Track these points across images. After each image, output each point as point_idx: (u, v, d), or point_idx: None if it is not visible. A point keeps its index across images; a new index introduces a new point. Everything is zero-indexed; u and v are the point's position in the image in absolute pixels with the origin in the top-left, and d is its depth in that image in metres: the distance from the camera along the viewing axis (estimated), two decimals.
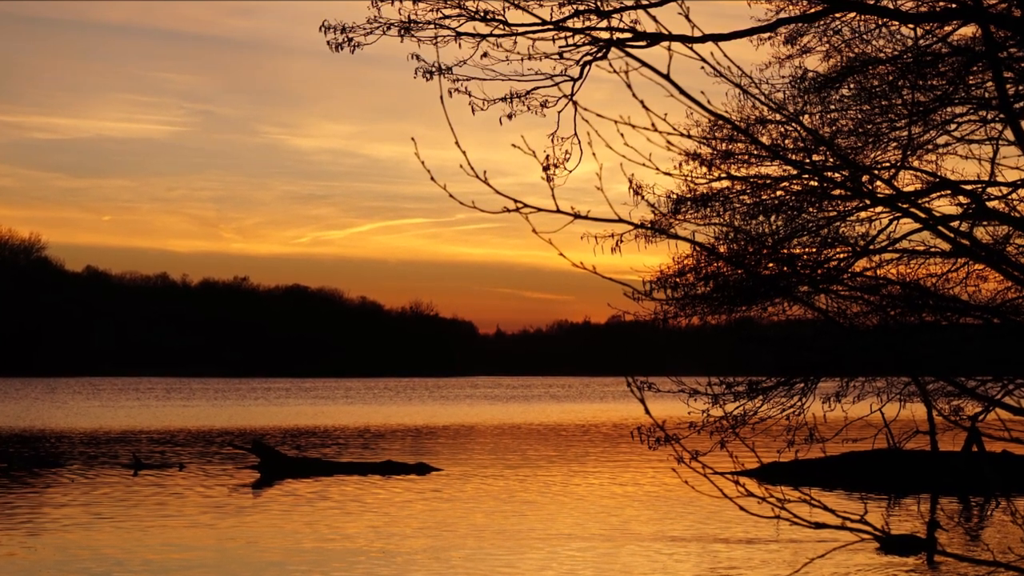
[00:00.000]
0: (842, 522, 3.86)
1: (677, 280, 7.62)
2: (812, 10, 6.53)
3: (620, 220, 3.69)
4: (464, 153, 3.46)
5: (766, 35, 7.33)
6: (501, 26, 5.48)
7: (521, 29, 5.44)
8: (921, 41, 7.18)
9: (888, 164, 7.47)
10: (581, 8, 5.34)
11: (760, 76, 7.89)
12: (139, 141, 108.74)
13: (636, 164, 3.70)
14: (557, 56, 5.43)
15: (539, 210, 3.54)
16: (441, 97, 3.72)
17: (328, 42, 5.79)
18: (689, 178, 7.13)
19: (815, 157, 6.30)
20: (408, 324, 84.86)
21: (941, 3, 6.30)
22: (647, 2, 5.25)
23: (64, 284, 71.30)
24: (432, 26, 5.57)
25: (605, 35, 5.26)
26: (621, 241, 7.01)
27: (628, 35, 5.20)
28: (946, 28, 6.94)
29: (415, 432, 26.96)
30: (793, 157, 6.45)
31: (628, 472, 17.22)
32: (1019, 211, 6.87)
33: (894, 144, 7.63)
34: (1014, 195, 6.92)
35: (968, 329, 7.17)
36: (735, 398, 8.06)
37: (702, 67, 4.37)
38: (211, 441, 23.17)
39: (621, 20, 5.25)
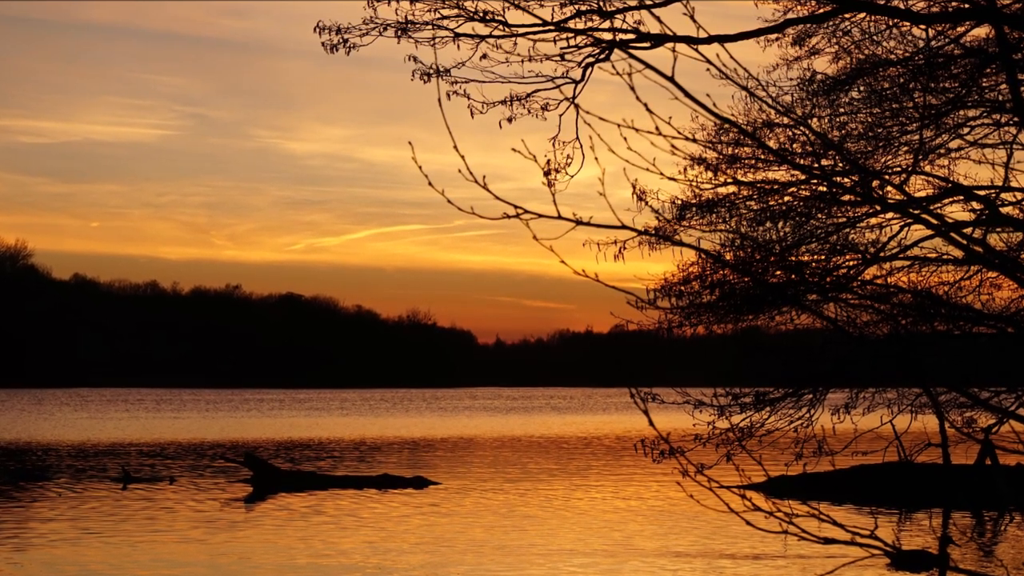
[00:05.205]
0: (852, 537, 3.69)
1: (682, 288, 7.45)
2: (821, 10, 6.39)
3: (623, 227, 3.51)
4: (463, 157, 3.28)
5: (773, 36, 7.22)
6: (501, 27, 5.35)
7: (521, 30, 5.32)
8: (933, 42, 7.05)
9: (899, 169, 7.33)
10: (583, 8, 5.22)
11: (767, 78, 7.79)
12: (129, 145, 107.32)
13: (640, 169, 3.53)
14: (558, 58, 5.31)
15: (540, 216, 3.37)
16: (439, 100, 3.54)
17: (323, 43, 5.67)
18: (694, 183, 7.00)
19: (824, 162, 6.16)
20: (405, 333, 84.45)
21: (954, 3, 6.17)
22: (651, 2, 5.12)
23: (51, 292, 70.60)
24: (430, 27, 5.44)
25: (608, 36, 5.13)
26: (624, 248, 6.88)
27: (631, 36, 5.07)
28: (959, 29, 6.81)
29: (412, 445, 26.71)
30: (801, 162, 6.31)
31: (631, 486, 16.99)
32: None
33: (905, 148, 7.50)
34: None
35: (981, 338, 7.01)
36: (741, 410, 7.89)
37: (707, 69, 4.21)
38: (202, 454, 22.91)
39: (624, 21, 5.12)
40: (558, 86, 5.41)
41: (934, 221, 4.41)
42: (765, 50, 7.60)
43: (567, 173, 5.35)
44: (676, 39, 4.50)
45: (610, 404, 55.55)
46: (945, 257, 7.23)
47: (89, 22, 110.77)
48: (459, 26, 5.41)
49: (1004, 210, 6.77)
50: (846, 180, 5.09)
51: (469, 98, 5.45)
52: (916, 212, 4.44)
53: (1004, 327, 6.40)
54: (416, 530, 12.17)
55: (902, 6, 6.34)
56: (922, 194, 6.96)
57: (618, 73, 3.65)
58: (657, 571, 9.78)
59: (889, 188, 5.47)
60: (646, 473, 18.24)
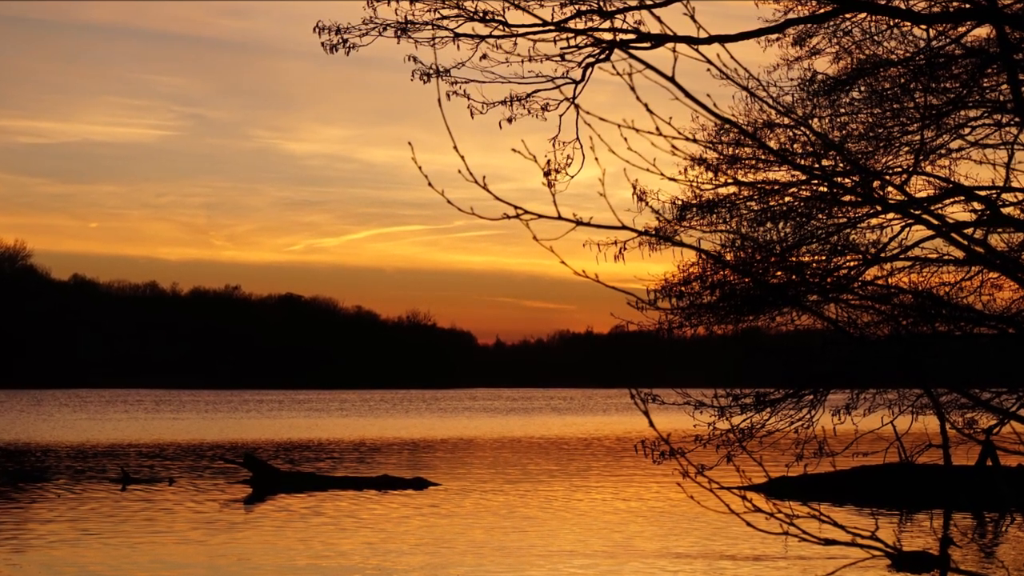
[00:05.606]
0: (852, 538, 3.70)
1: (682, 289, 7.45)
2: (822, 10, 6.38)
3: (624, 227, 3.49)
4: (463, 158, 3.27)
5: (774, 36, 7.21)
6: (501, 27, 5.36)
7: (521, 30, 5.32)
8: (934, 42, 7.05)
9: (900, 169, 7.33)
10: (583, 8, 5.22)
11: (768, 79, 7.79)
12: (128, 146, 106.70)
13: (640, 169, 3.52)
14: (558, 58, 5.32)
15: (540, 216, 3.36)
16: (439, 100, 3.53)
17: (322, 43, 5.68)
18: (695, 184, 6.99)
19: (824, 162, 6.16)
20: (405, 334, 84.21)
21: (955, 3, 6.16)
22: (651, 2, 5.12)
23: (50, 293, 70.47)
24: (430, 27, 5.45)
25: (608, 36, 5.14)
26: (624, 249, 6.89)
27: (632, 36, 5.07)
28: (960, 29, 6.80)
29: (412, 446, 26.67)
30: (802, 162, 6.31)
31: (632, 487, 16.94)
32: None
33: (906, 149, 7.50)
34: None
35: (982, 339, 7.00)
36: (742, 410, 7.89)
37: (708, 69, 4.21)
38: (202, 455, 22.86)
39: (624, 21, 5.13)
40: (558, 86, 5.42)
41: (935, 222, 4.40)
42: (766, 50, 7.60)
43: (567, 173, 5.36)
44: (676, 39, 4.49)
45: (610, 405, 55.45)
46: (946, 258, 7.23)
47: (88, 22, 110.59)
48: (459, 26, 5.42)
49: (1005, 210, 6.77)
50: (847, 180, 5.08)
51: (469, 98, 5.46)
52: (917, 212, 4.43)
53: (1005, 328, 6.39)
54: (416, 531, 12.12)
55: (903, 6, 6.33)
56: (923, 194, 6.97)
57: (618, 73, 3.63)
58: (657, 572, 9.74)
59: (890, 188, 5.46)
60: (646, 474, 18.17)
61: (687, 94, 3.48)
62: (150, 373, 71.66)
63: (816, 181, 5.83)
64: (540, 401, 62.35)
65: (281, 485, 16.59)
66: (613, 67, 3.73)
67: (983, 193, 6.65)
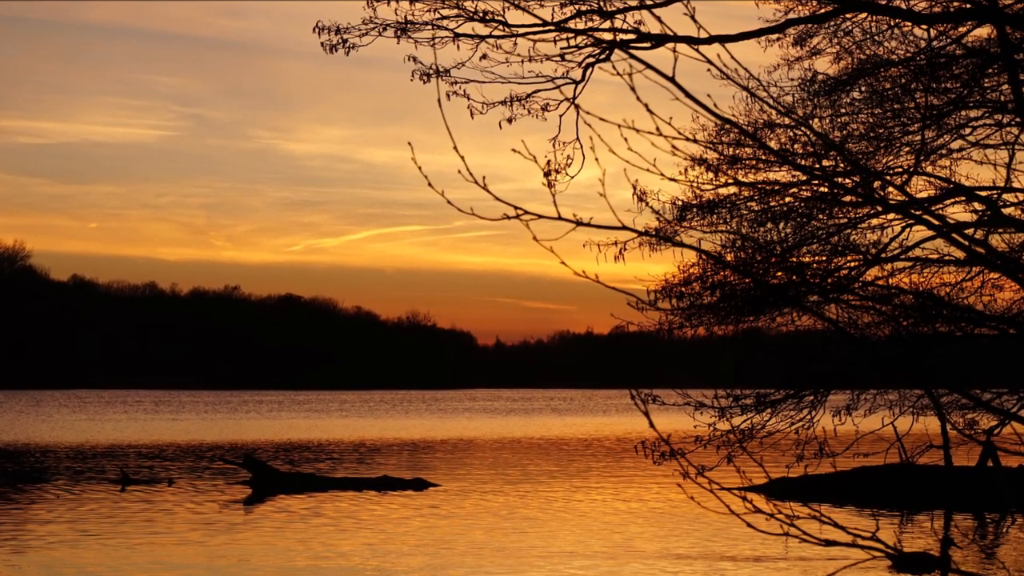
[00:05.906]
0: (853, 539, 3.70)
1: (683, 289, 7.44)
2: (822, 10, 6.38)
3: (624, 227, 3.48)
4: (463, 158, 3.26)
5: (774, 36, 7.21)
6: (501, 27, 5.36)
7: (521, 30, 5.32)
8: (935, 42, 7.04)
9: (901, 169, 7.32)
10: (583, 8, 5.23)
11: (768, 79, 7.78)
12: (127, 146, 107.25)
13: (640, 170, 3.51)
14: (558, 58, 5.32)
15: (540, 217, 3.36)
16: (439, 100, 3.52)
17: (322, 43, 5.68)
18: (695, 184, 6.99)
19: (825, 162, 6.16)
20: (405, 335, 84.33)
21: (955, 3, 6.15)
22: (651, 2, 5.12)
23: (49, 293, 70.66)
24: (429, 27, 5.45)
25: (608, 36, 5.14)
26: (625, 249, 6.89)
27: (632, 36, 5.08)
28: (960, 29, 6.80)
29: (412, 446, 26.68)
30: (802, 162, 6.31)
31: (632, 488, 16.99)
32: None
33: (907, 149, 7.50)
34: None
35: (983, 340, 6.99)
36: (742, 411, 7.89)
37: (708, 69, 4.21)
38: (201, 456, 22.87)
39: (624, 21, 5.13)
40: (558, 86, 5.43)
41: (936, 222, 4.39)
42: (766, 50, 7.59)
43: (567, 174, 5.36)
44: (677, 39, 4.48)
45: (610, 406, 55.50)
46: (947, 258, 7.23)
47: (88, 22, 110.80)
48: (459, 26, 5.42)
49: (1006, 211, 6.78)
50: (847, 181, 5.07)
51: (469, 98, 5.46)
52: (918, 213, 4.42)
53: (1006, 328, 6.37)
54: (416, 532, 12.13)
55: (903, 6, 6.33)
56: (924, 195, 6.98)
57: (618, 73, 3.62)
58: (657, 573, 9.74)
59: (890, 189, 5.45)
60: (647, 475, 18.18)
61: (687, 94, 3.47)
62: (150, 373, 71.65)
63: (817, 181, 5.82)
64: (540, 402, 62.39)
65: (281, 486, 16.60)
66: (613, 67, 3.72)
67: (984, 193, 6.65)
